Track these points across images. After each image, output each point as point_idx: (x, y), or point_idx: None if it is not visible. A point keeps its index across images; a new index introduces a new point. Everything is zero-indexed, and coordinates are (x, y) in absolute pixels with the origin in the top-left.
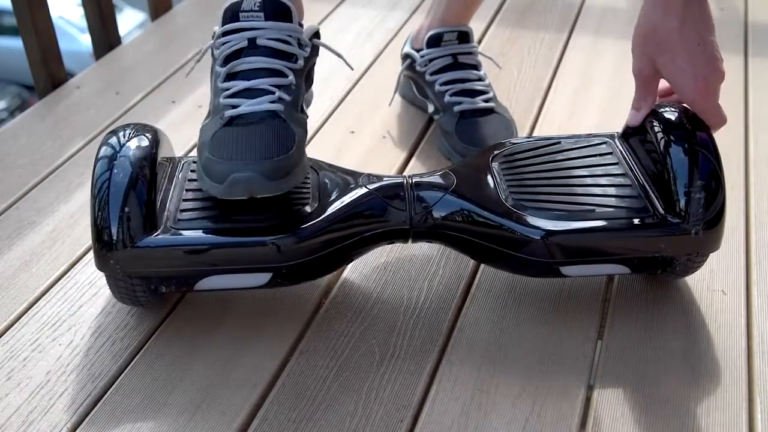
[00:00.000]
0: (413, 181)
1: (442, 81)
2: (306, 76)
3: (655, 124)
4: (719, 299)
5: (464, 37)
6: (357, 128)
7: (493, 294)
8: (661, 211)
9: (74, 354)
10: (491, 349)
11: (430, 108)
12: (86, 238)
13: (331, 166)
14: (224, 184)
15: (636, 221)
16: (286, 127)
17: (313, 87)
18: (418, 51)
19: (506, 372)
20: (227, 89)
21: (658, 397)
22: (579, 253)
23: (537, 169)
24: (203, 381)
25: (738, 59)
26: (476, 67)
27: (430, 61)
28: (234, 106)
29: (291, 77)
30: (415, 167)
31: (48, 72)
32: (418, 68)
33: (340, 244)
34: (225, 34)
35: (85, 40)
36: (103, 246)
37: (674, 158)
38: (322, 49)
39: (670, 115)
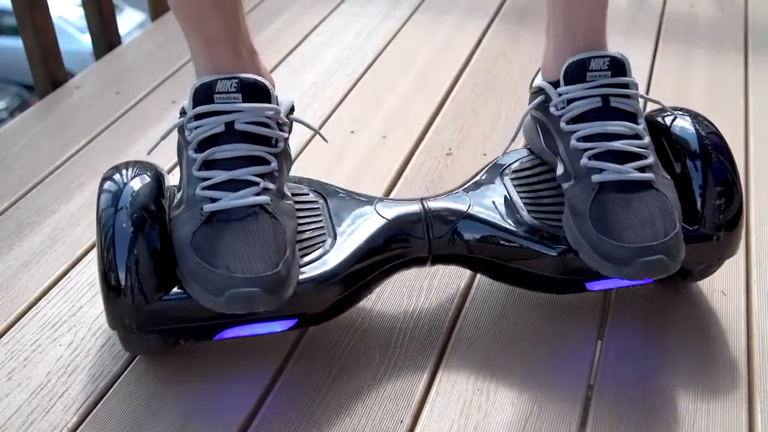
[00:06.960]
0: (429, 206)
1: (582, 135)
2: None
3: (671, 128)
4: (719, 299)
5: (619, 67)
6: (357, 128)
7: (493, 294)
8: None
9: (74, 355)
10: (491, 350)
11: (560, 169)
12: (86, 238)
13: (337, 189)
14: (221, 298)
15: None
16: (276, 223)
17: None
18: (554, 85)
19: (506, 372)
20: (205, 179)
21: (658, 397)
22: None
23: (553, 185)
24: (203, 382)
25: (738, 59)
26: (634, 117)
27: (569, 102)
28: (214, 199)
29: (274, 164)
30: (415, 167)
31: (48, 72)
32: (552, 110)
33: (362, 281)
34: (198, 116)
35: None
36: (115, 305)
37: (689, 167)
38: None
39: (684, 119)
